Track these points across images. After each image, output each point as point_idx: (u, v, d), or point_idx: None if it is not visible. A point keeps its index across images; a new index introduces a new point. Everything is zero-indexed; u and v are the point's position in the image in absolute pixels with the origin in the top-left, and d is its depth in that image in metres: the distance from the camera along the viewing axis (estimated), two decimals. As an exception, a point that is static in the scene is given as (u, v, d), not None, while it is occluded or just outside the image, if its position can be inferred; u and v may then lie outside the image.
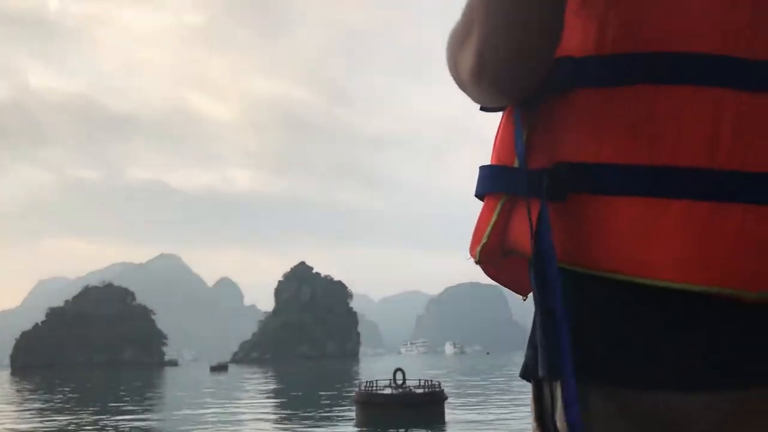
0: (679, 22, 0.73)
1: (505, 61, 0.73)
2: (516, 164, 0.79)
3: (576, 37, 0.77)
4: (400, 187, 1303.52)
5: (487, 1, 0.72)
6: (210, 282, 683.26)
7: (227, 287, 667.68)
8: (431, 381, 25.38)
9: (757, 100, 0.72)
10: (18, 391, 58.22)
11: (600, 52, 0.76)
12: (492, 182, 0.83)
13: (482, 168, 0.85)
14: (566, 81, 0.76)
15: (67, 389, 54.73)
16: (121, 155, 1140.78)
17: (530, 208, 0.75)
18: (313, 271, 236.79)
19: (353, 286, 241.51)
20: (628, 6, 0.75)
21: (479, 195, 0.85)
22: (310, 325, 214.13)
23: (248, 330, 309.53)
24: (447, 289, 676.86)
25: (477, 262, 0.86)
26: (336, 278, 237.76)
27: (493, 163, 0.84)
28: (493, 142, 0.86)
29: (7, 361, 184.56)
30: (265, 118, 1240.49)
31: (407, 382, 24.34)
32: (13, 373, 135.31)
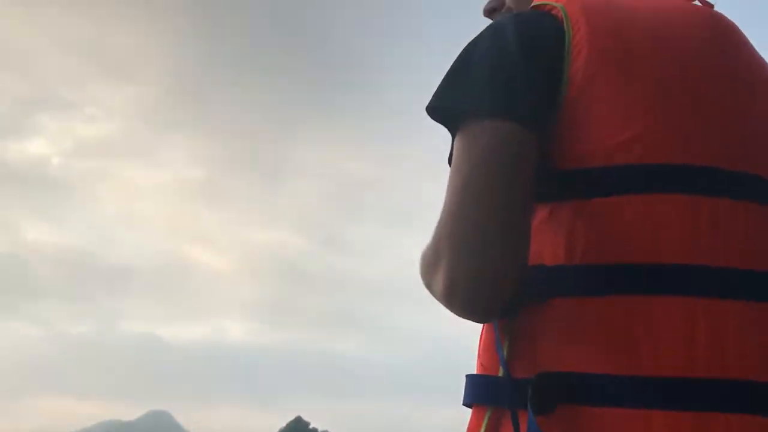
0: (646, 234, 0.74)
1: (472, 288, 0.75)
2: (500, 373, 0.79)
3: (548, 247, 0.78)
4: (405, 336, 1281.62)
5: (450, 233, 0.75)
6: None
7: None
8: None
9: (729, 306, 0.72)
10: None
11: (570, 262, 0.76)
12: (478, 393, 0.83)
13: (468, 377, 0.85)
14: (542, 290, 0.77)
15: None
16: (113, 309, 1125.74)
17: (517, 419, 0.75)
18: (310, 427, 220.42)
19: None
20: (595, 217, 0.76)
21: (467, 404, 0.85)
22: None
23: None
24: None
25: None
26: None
27: (478, 372, 0.84)
28: (477, 350, 0.87)
29: None
30: (261, 268, 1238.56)
31: None
32: None
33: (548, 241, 0.77)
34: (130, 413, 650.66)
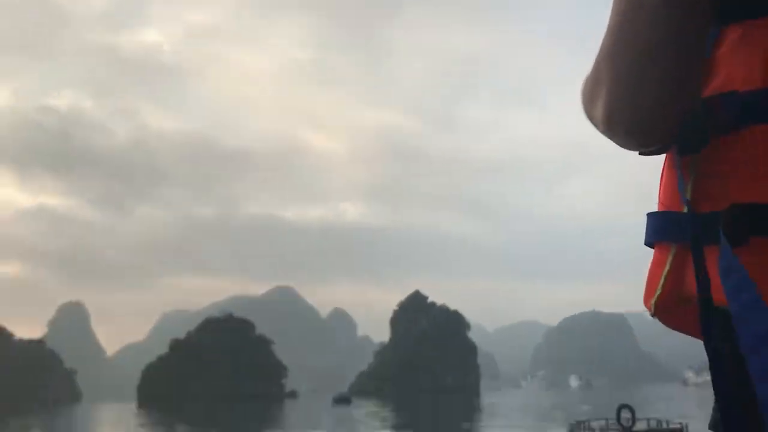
0: None
1: (635, 115, 0.72)
2: (684, 209, 0.76)
3: (740, 71, 0.73)
4: (512, 216, 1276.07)
5: (612, 60, 0.72)
6: (324, 313, 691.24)
7: (341, 318, 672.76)
8: (670, 422, 18.34)
9: None
10: (142, 426, 55.83)
11: None
12: (661, 230, 0.80)
13: (650, 215, 0.82)
14: (734, 118, 0.72)
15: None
16: (234, 192, 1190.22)
17: (703, 254, 0.72)
18: (429, 301, 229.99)
19: (466, 316, 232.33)
20: None
21: (648, 243, 0.83)
22: (427, 357, 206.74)
23: (363, 361, 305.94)
24: (566, 319, 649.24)
25: (653, 314, 0.83)
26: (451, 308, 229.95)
27: (660, 209, 0.82)
28: (658, 187, 0.83)
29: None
30: (373, 150, 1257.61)
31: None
32: (139, 406, 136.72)
33: (740, 64, 0.72)
34: (258, 289, 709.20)
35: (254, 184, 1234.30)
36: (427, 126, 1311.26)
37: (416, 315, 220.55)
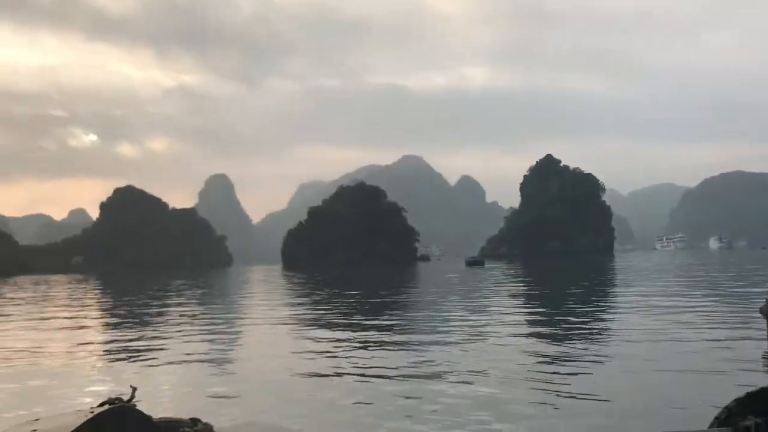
0: None
1: None
2: None
3: None
4: (648, 73, 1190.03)
5: None
6: (452, 181, 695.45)
7: (469, 185, 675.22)
8: None
9: None
10: (291, 284, 59.55)
11: None
12: None
13: None
14: None
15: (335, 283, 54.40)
16: (358, 62, 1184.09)
17: None
18: (561, 165, 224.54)
19: (599, 180, 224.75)
20: None
21: None
22: (559, 220, 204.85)
23: (491, 227, 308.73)
24: (705, 181, 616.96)
25: None
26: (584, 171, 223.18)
27: None
28: None
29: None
30: (495, 8, 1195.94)
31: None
32: (284, 268, 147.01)
33: None
34: (387, 159, 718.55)
35: (376, 53, 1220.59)
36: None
37: (548, 179, 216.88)
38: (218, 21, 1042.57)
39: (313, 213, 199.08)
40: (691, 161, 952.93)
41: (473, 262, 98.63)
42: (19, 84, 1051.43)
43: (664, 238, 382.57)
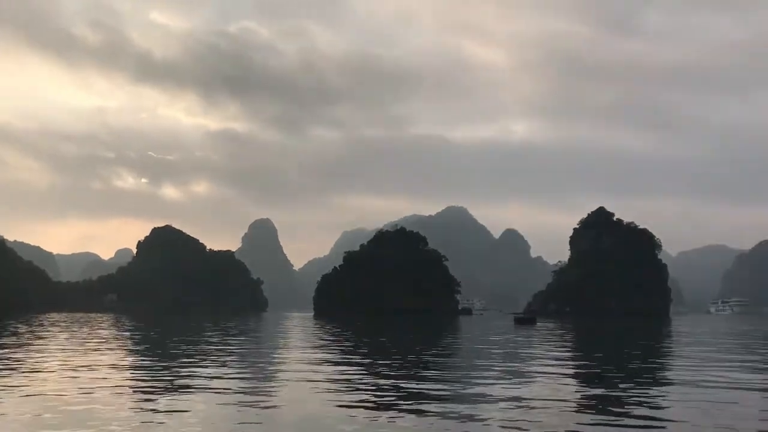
0: None
1: None
2: None
3: None
4: (698, 129, 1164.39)
5: None
6: (495, 233, 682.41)
7: (512, 238, 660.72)
8: None
9: None
10: (317, 332, 51.16)
11: None
12: None
13: None
14: None
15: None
16: (401, 112, 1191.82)
17: None
18: (615, 218, 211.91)
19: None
20: None
21: None
22: (612, 277, 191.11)
23: (535, 282, 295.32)
24: (761, 243, 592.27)
25: None
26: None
27: None
28: None
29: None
30: (540, 61, 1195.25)
31: None
32: (315, 316, 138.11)
33: None
34: (431, 209, 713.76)
35: (420, 104, 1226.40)
36: (599, 32, 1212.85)
37: (600, 233, 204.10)
38: (264, 68, 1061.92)
39: (350, 258, 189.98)
40: (744, 222, 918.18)
41: (524, 320, 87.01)
42: (69, 124, 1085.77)
43: (720, 302, 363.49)
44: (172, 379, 17.10)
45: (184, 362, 22.64)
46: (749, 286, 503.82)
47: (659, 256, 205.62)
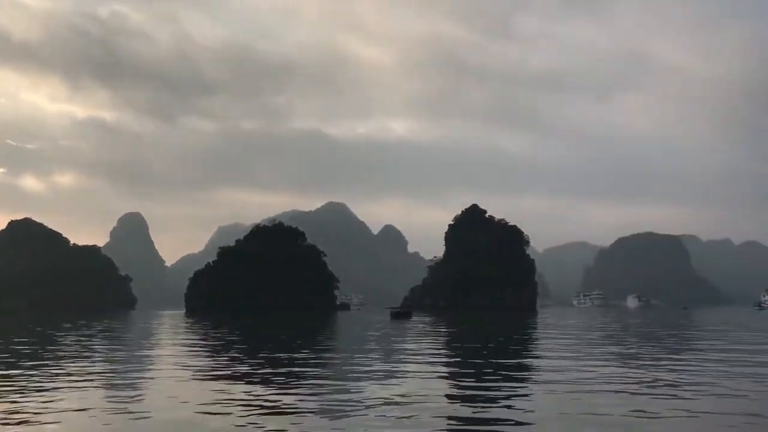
0: None
1: None
2: None
3: None
4: (566, 131, 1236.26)
5: None
6: (374, 230, 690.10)
7: (391, 234, 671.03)
8: None
9: None
10: (189, 329, 48.69)
11: None
12: None
13: None
14: None
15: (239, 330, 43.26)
16: (280, 105, 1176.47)
17: None
18: (487, 215, 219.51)
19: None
20: None
21: None
22: (484, 272, 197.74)
23: (413, 277, 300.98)
24: (618, 240, 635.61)
25: None
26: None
27: None
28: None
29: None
30: (418, 60, 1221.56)
31: None
32: (186, 314, 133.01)
33: None
34: (310, 205, 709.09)
35: (299, 97, 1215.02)
36: (478, 35, 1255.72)
37: (473, 230, 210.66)
38: (135, 54, 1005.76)
39: (224, 253, 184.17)
40: (605, 221, 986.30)
41: (400, 314, 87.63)
42: None
43: (581, 295, 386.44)
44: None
45: None
46: (608, 280, 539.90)
47: (527, 252, 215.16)
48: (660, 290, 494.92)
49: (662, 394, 13.59)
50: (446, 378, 17.28)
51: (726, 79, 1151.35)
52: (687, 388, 14.52)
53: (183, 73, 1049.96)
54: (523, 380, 16.32)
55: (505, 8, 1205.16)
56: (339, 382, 16.02)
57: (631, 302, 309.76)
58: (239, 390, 14.54)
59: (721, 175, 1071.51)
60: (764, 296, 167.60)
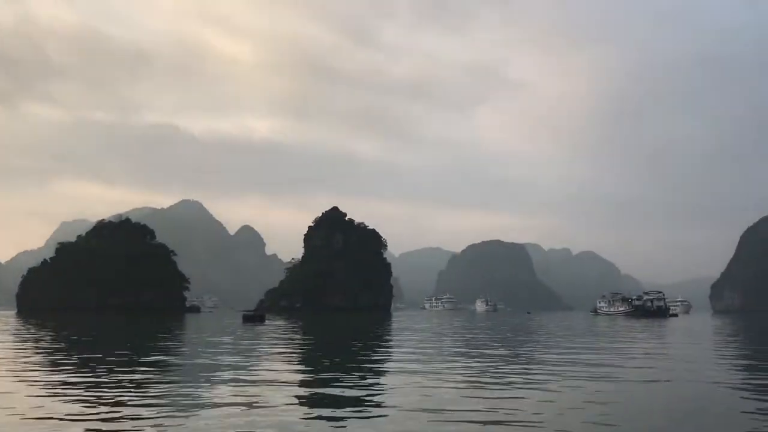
0: None
1: None
2: None
3: None
4: (425, 139, 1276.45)
5: None
6: (231, 230, 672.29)
7: (249, 235, 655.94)
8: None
9: None
10: (19, 331, 43.56)
11: None
12: None
13: None
14: None
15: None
16: (132, 96, 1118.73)
17: None
18: (347, 218, 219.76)
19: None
20: None
21: None
22: (341, 274, 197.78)
23: (270, 279, 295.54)
24: (470, 247, 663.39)
25: None
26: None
27: None
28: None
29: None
30: (283, 61, 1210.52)
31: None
32: (18, 314, 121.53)
33: None
34: (164, 201, 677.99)
35: (155, 91, 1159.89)
36: (343, 40, 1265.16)
37: (333, 232, 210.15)
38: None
39: (63, 250, 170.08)
40: (458, 228, 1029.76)
41: (252, 318, 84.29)
42: None
43: (433, 299, 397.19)
44: None
45: None
46: (458, 284, 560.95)
47: (384, 256, 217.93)
48: (506, 295, 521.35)
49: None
50: (292, 382, 15.73)
51: (573, 98, 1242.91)
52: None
53: (25, 55, 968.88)
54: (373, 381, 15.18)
55: (370, 17, 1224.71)
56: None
57: (480, 306, 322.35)
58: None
59: (562, 188, 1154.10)
60: (599, 303, 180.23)
